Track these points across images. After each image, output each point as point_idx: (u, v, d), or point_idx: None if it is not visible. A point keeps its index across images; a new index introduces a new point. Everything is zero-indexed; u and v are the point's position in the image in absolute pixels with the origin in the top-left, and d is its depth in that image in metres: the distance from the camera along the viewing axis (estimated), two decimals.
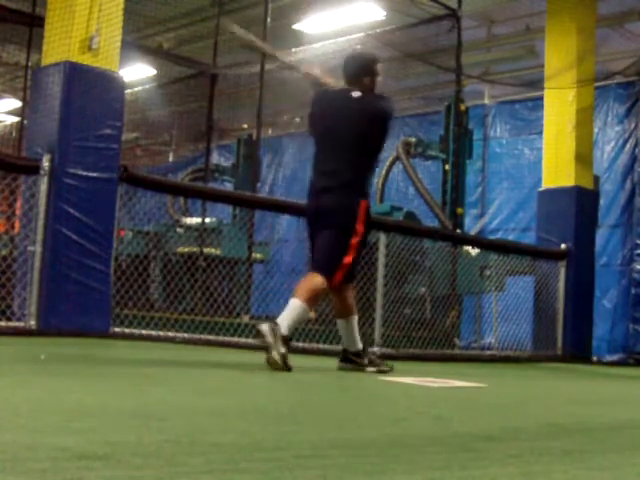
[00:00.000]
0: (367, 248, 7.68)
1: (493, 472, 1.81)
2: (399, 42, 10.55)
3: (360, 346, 4.97)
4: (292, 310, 4.52)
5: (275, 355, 4.29)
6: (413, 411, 3.14)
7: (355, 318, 4.96)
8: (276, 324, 4.38)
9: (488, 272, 9.18)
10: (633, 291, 11.31)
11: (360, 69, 4.93)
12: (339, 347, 5.24)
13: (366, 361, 4.96)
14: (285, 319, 4.46)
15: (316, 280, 4.63)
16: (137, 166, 14.24)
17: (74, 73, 6.27)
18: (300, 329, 7.35)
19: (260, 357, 4.56)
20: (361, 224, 4.75)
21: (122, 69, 6.74)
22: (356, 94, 4.88)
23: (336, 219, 4.76)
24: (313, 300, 4.62)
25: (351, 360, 4.96)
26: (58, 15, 6.42)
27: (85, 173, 6.23)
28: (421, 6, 9.58)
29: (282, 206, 8.19)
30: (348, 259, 4.70)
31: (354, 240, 4.72)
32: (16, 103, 14.56)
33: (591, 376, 7.53)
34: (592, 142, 10.43)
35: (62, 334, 5.93)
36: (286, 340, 4.39)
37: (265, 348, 4.36)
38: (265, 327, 4.35)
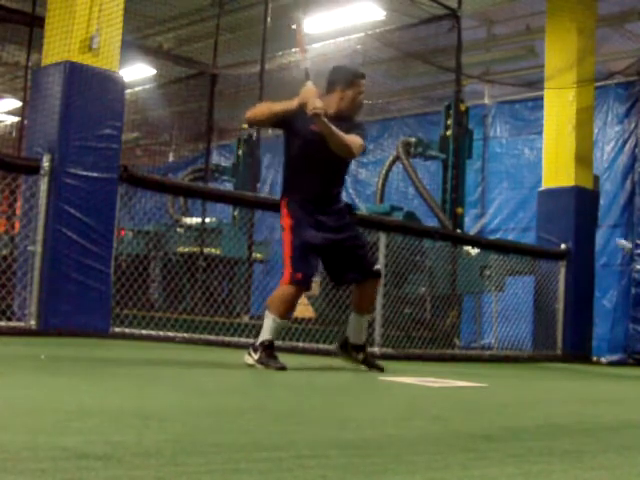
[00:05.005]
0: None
1: (493, 472, 1.81)
2: (399, 42, 10.55)
3: (362, 342, 5.01)
4: (265, 323, 4.70)
5: (254, 363, 4.57)
6: (413, 411, 3.14)
7: (367, 318, 5.02)
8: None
9: (488, 272, 9.18)
10: (633, 291, 11.29)
11: (329, 81, 4.87)
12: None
13: (360, 357, 5.00)
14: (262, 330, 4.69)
15: (281, 288, 4.72)
16: (137, 166, 14.23)
17: (74, 73, 6.27)
18: (300, 329, 7.36)
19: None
20: (284, 218, 4.78)
21: (122, 69, 6.74)
22: None
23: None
24: (278, 308, 4.66)
25: (348, 350, 5.03)
26: (58, 15, 6.42)
27: (85, 173, 6.23)
28: (421, 6, 9.58)
29: None
30: (287, 253, 4.73)
31: (285, 235, 4.77)
32: (16, 103, 14.56)
33: (591, 376, 7.53)
34: (592, 142, 10.43)
35: (62, 334, 5.94)
36: (263, 346, 4.58)
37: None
38: (246, 356, 4.68)
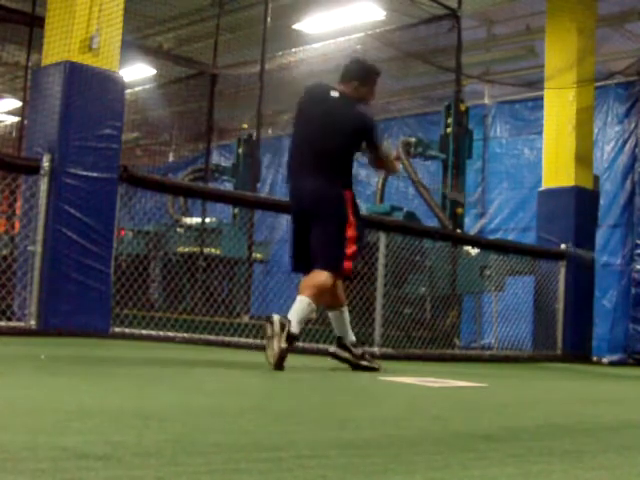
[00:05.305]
0: (367, 248, 7.71)
1: (493, 472, 1.81)
2: (399, 42, 10.55)
3: (354, 338, 5.03)
4: (299, 307, 4.55)
5: (275, 348, 4.33)
6: (413, 411, 3.14)
7: (346, 309, 4.99)
8: (288, 320, 4.42)
9: (488, 272, 9.17)
10: (633, 291, 11.30)
11: (351, 72, 4.99)
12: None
13: (360, 352, 5.00)
14: (294, 316, 4.50)
15: (320, 276, 4.65)
16: (137, 166, 14.23)
17: (74, 73, 6.27)
18: (300, 329, 7.34)
19: (260, 357, 4.56)
20: (350, 213, 4.77)
21: (122, 69, 6.74)
22: (334, 93, 4.92)
23: (325, 211, 4.76)
24: (319, 298, 4.66)
25: (347, 348, 4.98)
26: (58, 15, 6.42)
27: (85, 173, 6.23)
28: (421, 6, 9.58)
29: (282, 206, 8.18)
30: (351, 246, 4.71)
31: (350, 228, 4.73)
32: (16, 103, 14.56)
33: (591, 376, 7.53)
34: (592, 142, 10.44)
35: (62, 334, 5.94)
36: (291, 340, 4.41)
37: (268, 338, 4.39)
38: (276, 317, 4.40)
